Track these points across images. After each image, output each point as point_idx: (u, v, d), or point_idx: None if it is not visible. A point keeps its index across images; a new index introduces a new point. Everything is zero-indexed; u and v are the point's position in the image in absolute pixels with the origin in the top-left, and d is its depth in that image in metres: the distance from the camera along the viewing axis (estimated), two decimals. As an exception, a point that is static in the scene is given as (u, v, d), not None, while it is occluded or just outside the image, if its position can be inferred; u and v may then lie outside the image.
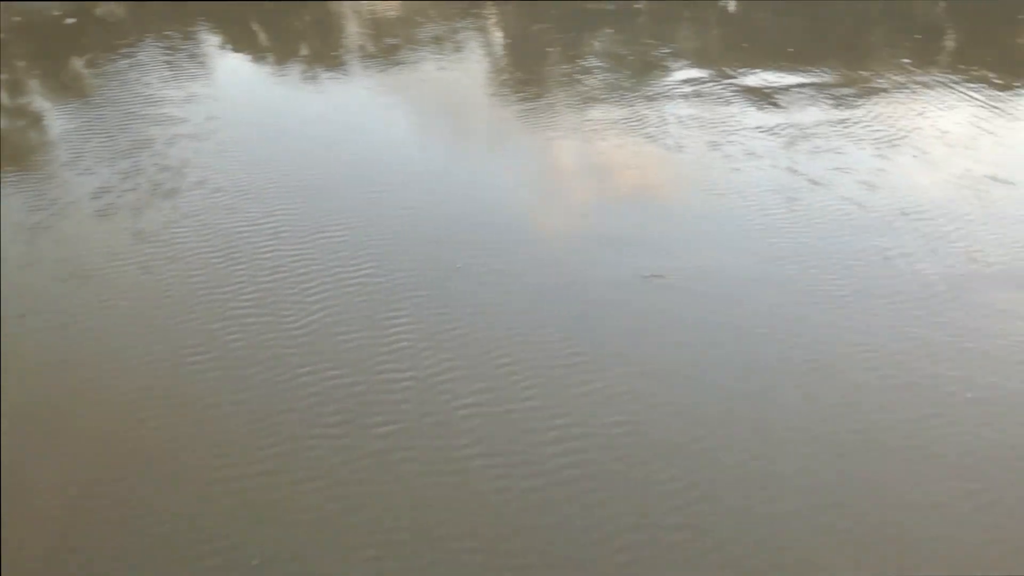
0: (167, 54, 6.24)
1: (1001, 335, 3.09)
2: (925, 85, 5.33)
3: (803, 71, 5.59)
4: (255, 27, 7.19)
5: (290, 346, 3.07)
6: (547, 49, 6.25)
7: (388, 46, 6.40)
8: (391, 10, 7.35)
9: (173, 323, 3.22)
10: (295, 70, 6.08)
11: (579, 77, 5.51)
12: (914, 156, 4.42)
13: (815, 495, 2.44)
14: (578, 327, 3.16)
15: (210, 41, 6.79)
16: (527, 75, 5.78)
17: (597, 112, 4.99)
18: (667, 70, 5.65)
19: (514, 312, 3.24)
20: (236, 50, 6.63)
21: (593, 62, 5.82)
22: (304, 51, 6.64)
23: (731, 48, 6.37)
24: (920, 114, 4.90)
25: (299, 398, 2.82)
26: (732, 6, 7.64)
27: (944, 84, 5.32)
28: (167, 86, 5.58)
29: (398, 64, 6.00)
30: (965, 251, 3.59)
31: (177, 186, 4.23)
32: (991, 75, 5.44)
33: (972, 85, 5.28)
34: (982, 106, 4.99)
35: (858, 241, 3.68)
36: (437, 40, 6.50)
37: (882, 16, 7.00)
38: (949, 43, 6.54)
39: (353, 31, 6.96)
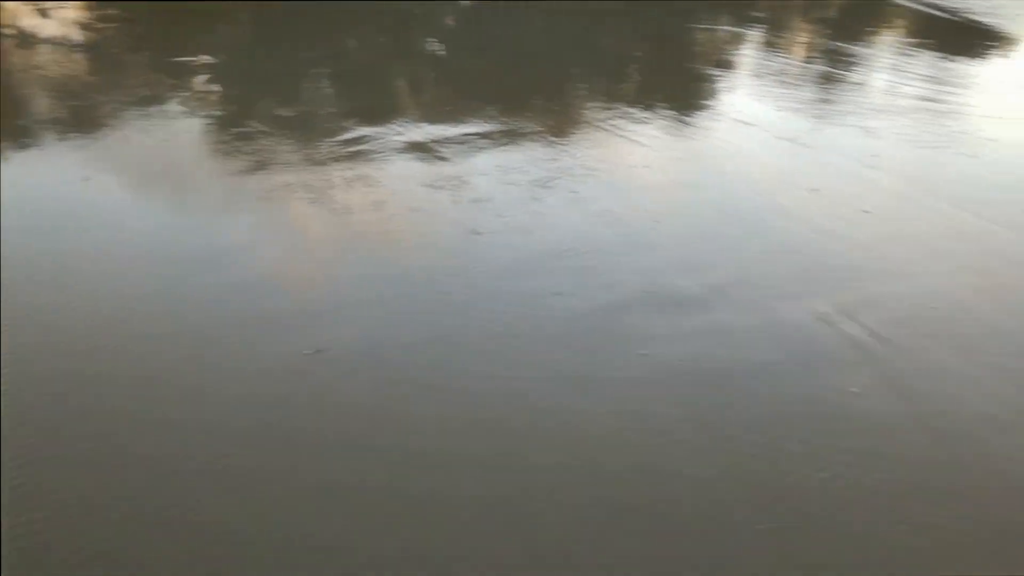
0: None
1: (641, 358, 3.30)
2: (593, 123, 5.73)
3: (472, 119, 5.77)
4: None
5: None
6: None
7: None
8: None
9: None
10: None
11: (238, 144, 5.24)
12: (569, 194, 4.70)
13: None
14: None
15: None
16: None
17: (256, 182, 4.75)
18: (334, 130, 5.56)
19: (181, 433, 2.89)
20: None
21: (256, 127, 5.58)
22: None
23: (402, 102, 6.45)
24: (571, 154, 5.24)
25: None
26: (408, 62, 7.80)
27: (616, 119, 5.76)
28: None
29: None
30: (610, 282, 3.83)
31: None
32: (663, 108, 6.00)
33: (642, 118, 5.77)
34: (638, 143, 5.47)
35: (518, 286, 3.80)
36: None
37: (569, 57, 7.49)
38: (626, 81, 7.12)
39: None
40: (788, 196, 4.76)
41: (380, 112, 5.93)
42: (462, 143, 5.36)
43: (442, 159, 5.11)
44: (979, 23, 8.35)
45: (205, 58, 6.91)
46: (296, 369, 3.16)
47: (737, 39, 8.02)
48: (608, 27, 8.42)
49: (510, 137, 5.48)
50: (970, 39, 8.00)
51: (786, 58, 7.42)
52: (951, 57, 7.42)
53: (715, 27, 8.55)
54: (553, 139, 5.47)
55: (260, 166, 4.91)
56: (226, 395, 3.03)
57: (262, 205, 4.47)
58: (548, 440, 2.87)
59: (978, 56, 7.60)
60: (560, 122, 5.82)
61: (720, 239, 4.23)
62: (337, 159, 5.04)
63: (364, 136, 5.41)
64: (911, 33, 8.33)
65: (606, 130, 5.63)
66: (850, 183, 4.89)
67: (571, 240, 4.19)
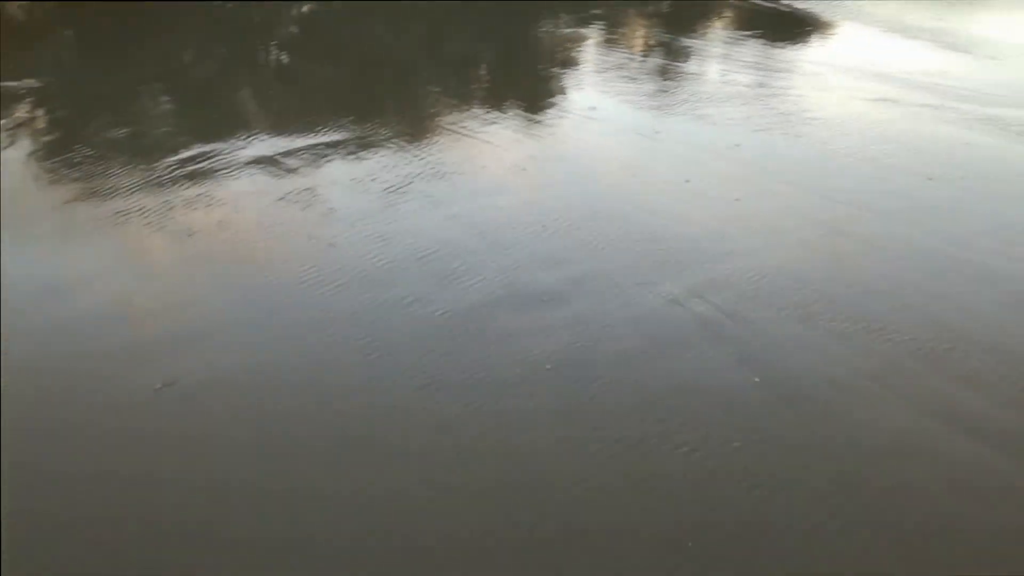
0: None
1: (508, 357, 3.33)
2: (443, 127, 5.72)
3: (320, 129, 5.63)
4: None
5: None
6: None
7: None
8: None
9: None
10: None
11: (67, 172, 4.89)
12: (424, 199, 4.67)
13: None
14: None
15: None
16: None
17: (89, 210, 4.45)
18: (172, 149, 5.29)
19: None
20: None
21: (86, 151, 5.22)
22: None
23: (245, 115, 6.22)
24: (423, 158, 5.21)
25: None
26: (249, 71, 7.52)
27: (466, 121, 5.76)
28: None
29: None
30: (471, 284, 3.84)
31: None
32: (512, 107, 6.04)
33: (492, 118, 5.80)
34: (489, 143, 5.50)
35: (379, 295, 3.74)
36: None
37: (415, 61, 7.42)
38: (474, 82, 7.13)
39: None
40: (635, 186, 4.93)
41: (221, 127, 5.70)
42: (311, 154, 5.23)
43: (291, 171, 4.97)
44: (798, 12, 8.95)
45: (29, 82, 6.42)
46: (145, 405, 2.98)
47: (578, 37, 8.24)
48: (452, 30, 8.46)
49: (360, 145, 5.40)
50: (791, 27, 8.57)
51: (625, 53, 7.69)
52: (776, 44, 7.92)
53: (556, 26, 8.75)
54: (404, 145, 5.43)
55: (92, 193, 4.61)
56: (71, 435, 2.81)
57: (98, 234, 4.19)
58: (423, 454, 2.84)
59: (799, 42, 8.15)
60: (410, 127, 5.79)
61: (575, 232, 4.33)
62: (176, 180, 4.80)
63: (205, 153, 5.18)
64: (739, 24, 8.83)
65: (457, 133, 5.64)
66: (691, 169, 5.13)
67: (429, 245, 4.17)
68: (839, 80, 6.76)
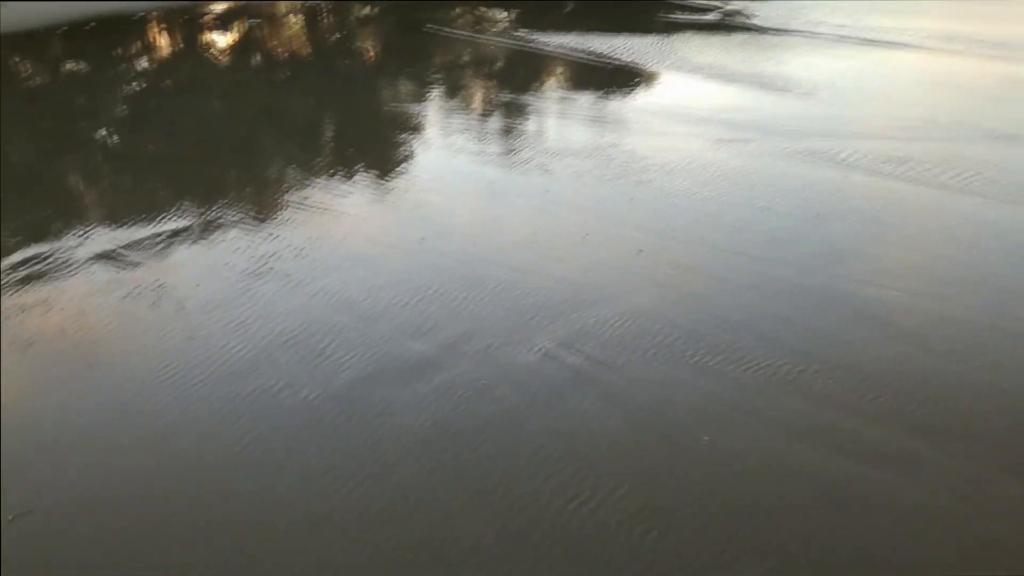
0: None
1: (388, 432, 3.26)
2: (295, 202, 5.58)
3: (163, 216, 5.38)
4: None
5: None
6: None
7: None
8: None
9: None
10: None
11: None
12: (283, 279, 4.53)
13: None
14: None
15: None
16: None
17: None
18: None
19: None
20: None
21: None
22: None
23: (79, 207, 5.86)
24: (277, 237, 5.07)
25: None
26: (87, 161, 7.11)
27: (316, 194, 5.65)
28: None
29: None
30: (341, 363, 3.74)
31: None
32: (361, 176, 5.97)
33: (343, 189, 5.71)
34: (343, 214, 5.42)
35: (245, 386, 3.57)
36: None
37: (257, 135, 7.22)
38: (321, 153, 7.01)
39: None
40: (494, 243, 5.00)
41: (53, 222, 5.34)
42: (155, 244, 4.98)
43: (135, 265, 4.71)
44: (625, 65, 9.50)
45: None
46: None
47: (421, 100, 8.36)
48: (291, 100, 8.37)
49: (208, 229, 5.20)
50: (621, 79, 9.06)
51: (468, 114, 7.87)
52: (609, 96, 8.35)
53: (397, 92, 8.85)
54: (255, 225, 5.27)
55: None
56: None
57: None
58: (308, 553, 2.71)
59: (630, 93, 8.63)
60: (260, 206, 5.64)
61: (442, 297, 4.33)
62: (9, 287, 4.43)
63: (39, 255, 4.83)
64: (571, 80, 9.26)
65: (310, 207, 5.55)
66: (545, 222, 5.27)
67: (293, 327, 4.04)
68: (671, 127, 7.19)
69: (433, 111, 7.98)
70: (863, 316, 4.16)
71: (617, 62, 9.58)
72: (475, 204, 5.69)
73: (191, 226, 5.23)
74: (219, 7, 12.59)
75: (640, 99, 8.34)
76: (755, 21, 12.02)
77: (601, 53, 9.90)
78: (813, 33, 11.30)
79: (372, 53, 10.76)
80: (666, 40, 10.81)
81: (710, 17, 12.51)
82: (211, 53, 10.43)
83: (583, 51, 10.10)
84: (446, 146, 6.97)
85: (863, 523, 2.85)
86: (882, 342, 3.93)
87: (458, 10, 13.49)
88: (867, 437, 3.27)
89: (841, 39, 10.93)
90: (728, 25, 11.86)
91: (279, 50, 10.64)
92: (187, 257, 4.83)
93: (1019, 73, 9.45)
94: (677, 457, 3.17)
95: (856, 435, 3.28)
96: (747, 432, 3.31)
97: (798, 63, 9.61)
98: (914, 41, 10.86)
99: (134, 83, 9.02)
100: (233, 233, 5.13)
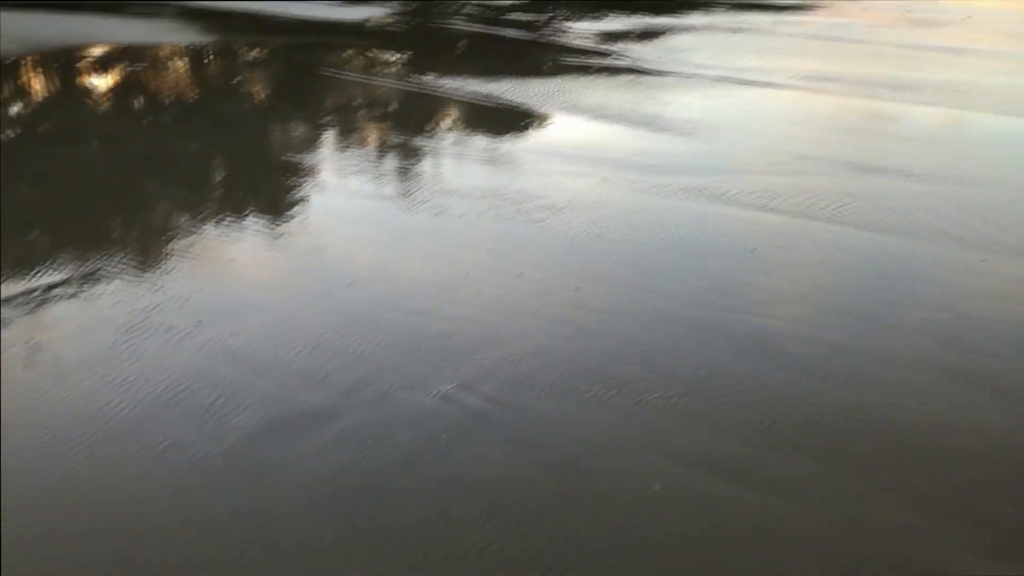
0: None
1: (285, 489, 3.17)
2: (180, 249, 5.38)
3: (33, 268, 5.10)
4: None
5: None
6: None
7: None
8: None
9: None
10: None
11: None
12: (166, 332, 4.36)
13: None
14: None
15: None
16: None
17: None
18: None
19: None
20: None
21: None
22: None
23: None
24: (160, 288, 4.89)
25: None
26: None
27: (204, 240, 5.47)
28: None
29: None
30: (232, 417, 3.63)
31: None
32: (253, 220, 5.81)
33: (232, 236, 5.55)
34: (234, 260, 5.27)
35: (127, 447, 3.41)
36: None
37: (140, 178, 6.93)
38: (207, 198, 6.79)
39: None
40: (389, 286, 4.98)
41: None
42: (27, 300, 4.71)
43: (6, 323, 4.43)
44: (516, 106, 9.70)
45: None
46: None
47: (312, 143, 8.27)
48: (176, 145, 8.11)
49: (85, 282, 4.95)
50: (511, 120, 9.25)
51: (362, 156, 7.84)
52: (501, 137, 8.50)
53: (287, 133, 8.74)
54: (137, 276, 5.07)
55: None
56: None
57: None
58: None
59: (521, 133, 8.81)
60: (143, 256, 5.42)
61: (336, 342, 4.26)
62: None
63: None
64: (464, 121, 9.39)
65: (195, 255, 5.37)
66: (441, 263, 5.29)
67: (180, 382, 3.89)
68: (561, 166, 7.38)
69: (325, 154, 7.91)
70: (748, 345, 4.36)
71: (508, 103, 9.79)
72: (370, 247, 5.65)
73: (68, 280, 4.98)
74: (98, 51, 12.17)
75: (530, 140, 8.53)
76: (638, 64, 12.55)
77: (492, 95, 10.10)
78: (692, 75, 11.88)
79: (261, 96, 10.62)
80: (554, 82, 11.13)
81: (594, 60, 12.96)
82: (91, 98, 10.05)
83: (474, 93, 10.28)
84: (340, 188, 6.92)
85: (750, 549, 2.96)
86: (767, 370, 4.12)
87: (349, 52, 13.50)
88: (755, 463, 3.41)
89: (718, 80, 11.53)
90: (612, 67, 12.33)
91: (163, 94, 10.36)
92: (64, 313, 4.59)
93: (878, 108, 10.21)
94: (578, 495, 3.22)
95: (745, 461, 3.42)
96: (643, 464, 3.39)
97: (678, 103, 10.06)
98: (784, 81, 11.58)
99: (7, 130, 8.56)
100: (114, 285, 4.91)
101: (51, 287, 4.88)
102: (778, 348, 4.34)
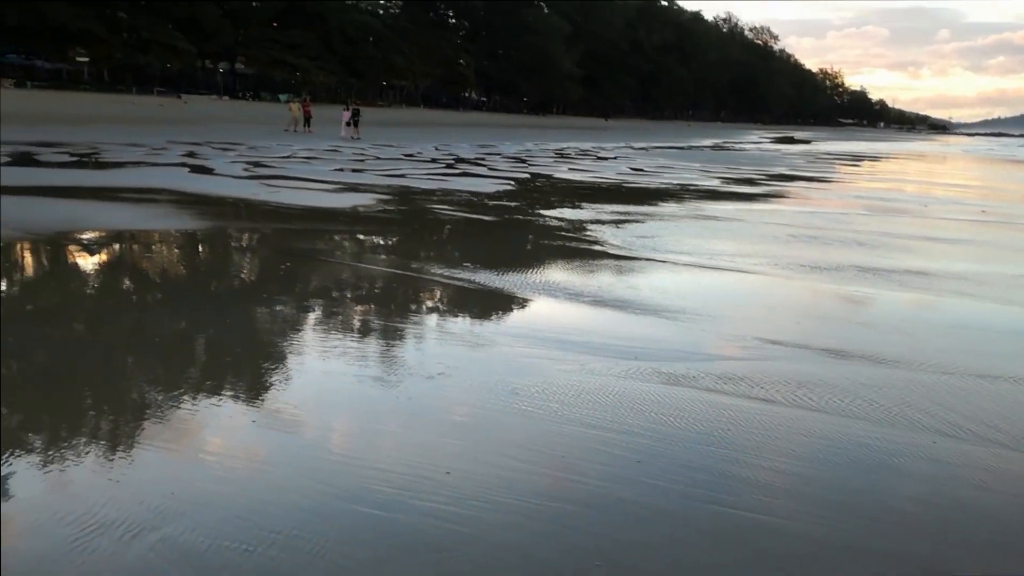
0: None
1: None
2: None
3: None
4: None
5: None
6: None
7: None
8: None
9: None
10: None
11: None
12: (118, 529, 4.21)
13: None
14: None
15: None
16: None
17: None
18: None
19: None
20: None
21: None
22: None
23: None
24: (118, 482, 4.77)
25: None
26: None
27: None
28: None
29: None
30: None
31: None
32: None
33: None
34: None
35: None
36: None
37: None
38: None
39: None
40: (358, 476, 4.88)
41: None
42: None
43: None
44: (496, 290, 9.97)
45: None
46: None
47: (293, 326, 8.37)
48: (159, 327, 8.18)
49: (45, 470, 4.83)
50: (488, 303, 9.47)
51: (344, 339, 7.92)
52: (479, 321, 8.67)
53: (273, 316, 8.87)
54: (101, 465, 4.95)
55: None
56: None
57: None
58: None
59: (497, 317, 8.99)
60: (110, 441, 5.32)
61: (295, 541, 4.12)
62: None
63: None
64: (443, 303, 9.60)
65: (160, 445, 5.29)
66: (415, 451, 5.22)
67: (128, 584, 3.70)
68: (535, 349, 7.46)
69: (306, 337, 8.00)
70: (729, 539, 4.27)
71: (489, 287, 10.06)
72: (345, 431, 5.61)
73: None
74: (90, 235, 12.60)
75: (507, 323, 8.71)
76: (609, 249, 13.10)
77: (474, 280, 10.41)
78: (663, 260, 12.36)
79: (247, 280, 10.90)
80: (532, 265, 11.54)
81: (572, 245, 13.51)
82: (77, 281, 10.28)
83: (456, 277, 10.60)
84: (324, 371, 6.93)
85: None
86: (749, 566, 4.01)
87: (336, 238, 14.02)
88: None
89: (688, 265, 11.99)
90: (588, 252, 12.83)
91: (150, 278, 10.62)
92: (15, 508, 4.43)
93: (846, 292, 10.58)
94: None
95: None
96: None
97: (650, 289, 10.40)
98: (753, 267, 12.04)
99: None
100: (75, 474, 4.79)
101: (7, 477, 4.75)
102: (758, 543, 4.24)
